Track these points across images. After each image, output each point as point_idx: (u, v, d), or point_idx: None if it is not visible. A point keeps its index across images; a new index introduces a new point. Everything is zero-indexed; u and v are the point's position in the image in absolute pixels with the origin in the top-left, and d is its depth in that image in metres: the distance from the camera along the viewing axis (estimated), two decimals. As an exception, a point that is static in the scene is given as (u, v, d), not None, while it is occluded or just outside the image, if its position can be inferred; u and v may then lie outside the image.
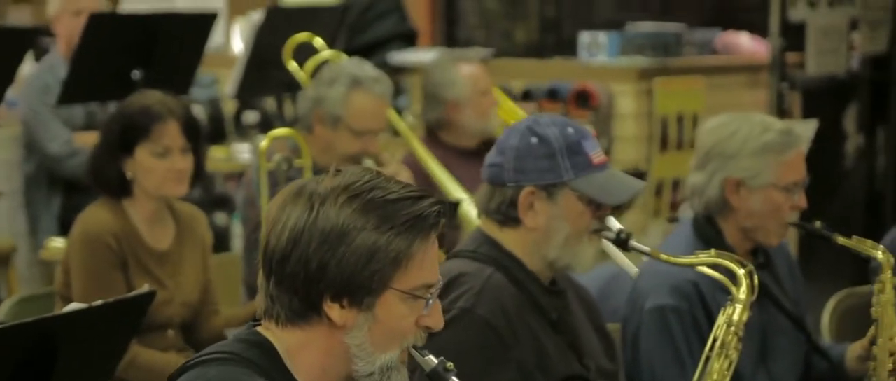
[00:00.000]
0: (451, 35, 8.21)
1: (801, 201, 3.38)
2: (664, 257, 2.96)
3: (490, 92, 4.93)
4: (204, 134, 3.93)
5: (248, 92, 6.09)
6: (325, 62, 4.65)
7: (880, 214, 6.82)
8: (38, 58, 5.97)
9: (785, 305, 3.45)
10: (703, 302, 3.26)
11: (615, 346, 3.16)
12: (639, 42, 6.60)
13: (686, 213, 3.91)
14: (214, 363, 2.09)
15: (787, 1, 6.27)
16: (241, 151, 6.31)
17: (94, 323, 2.91)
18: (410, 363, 2.14)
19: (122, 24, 5.40)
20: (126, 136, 3.70)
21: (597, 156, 2.93)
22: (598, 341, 3.07)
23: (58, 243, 4.81)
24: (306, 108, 4.44)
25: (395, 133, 4.95)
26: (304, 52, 4.81)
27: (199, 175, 3.83)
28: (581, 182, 2.89)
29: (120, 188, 3.73)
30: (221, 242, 5.76)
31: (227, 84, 6.07)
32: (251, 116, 6.60)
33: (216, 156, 6.11)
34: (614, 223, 2.98)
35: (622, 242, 2.91)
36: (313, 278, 2.05)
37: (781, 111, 6.22)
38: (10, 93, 5.17)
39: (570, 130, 2.93)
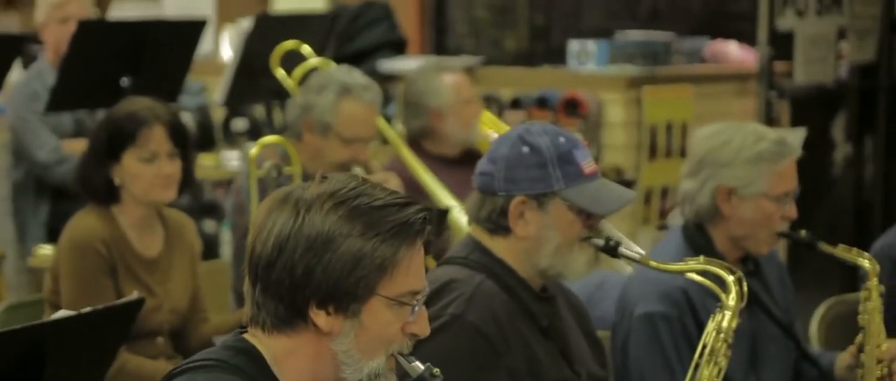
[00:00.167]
0: (440, 43, 8.21)
1: (792, 211, 3.39)
2: (654, 263, 2.96)
3: (473, 101, 4.93)
4: (192, 140, 3.93)
5: (237, 99, 6.09)
6: (313, 70, 4.65)
7: (869, 222, 6.84)
8: (26, 65, 5.96)
9: (774, 312, 3.45)
10: (692, 309, 3.26)
11: (606, 352, 3.17)
12: (628, 51, 6.61)
13: (675, 220, 3.91)
14: (201, 370, 2.09)
15: (776, 10, 6.29)
16: (230, 159, 6.30)
17: (83, 330, 2.90)
18: (399, 370, 2.14)
19: (110, 31, 5.40)
20: (113, 142, 3.70)
21: (588, 165, 2.93)
22: (589, 347, 3.07)
23: (46, 250, 4.80)
24: (295, 115, 4.44)
25: (385, 141, 4.95)
26: (292, 60, 4.81)
27: (189, 182, 3.82)
28: (572, 192, 2.89)
29: (108, 195, 3.73)
30: (210, 249, 5.75)
31: (216, 91, 6.07)
32: (240, 124, 6.59)
33: (205, 163, 6.10)
34: (607, 227, 2.98)
35: (612, 249, 2.91)
36: (299, 285, 2.06)
37: (770, 120, 6.23)
38: (-1, 100, 5.17)
39: (562, 139, 2.93)
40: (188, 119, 6.23)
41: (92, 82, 5.08)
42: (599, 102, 6.36)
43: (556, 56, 7.08)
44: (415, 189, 4.50)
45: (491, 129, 4.88)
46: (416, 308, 2.11)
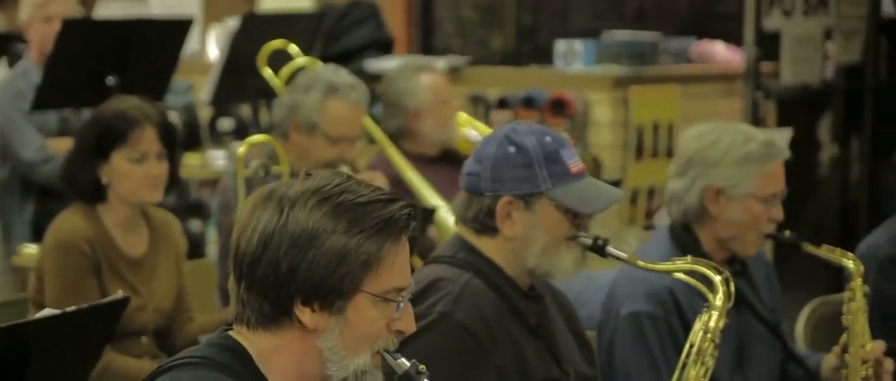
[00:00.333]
0: (427, 43, 8.21)
1: (779, 213, 3.39)
2: (641, 263, 2.96)
3: (451, 101, 4.97)
4: (179, 140, 3.92)
5: (224, 99, 6.08)
6: (300, 69, 4.65)
7: (854, 223, 6.85)
8: (11, 63, 5.94)
9: (761, 312, 3.46)
10: (678, 309, 3.26)
11: (593, 351, 3.17)
12: (615, 51, 6.61)
13: (661, 221, 3.91)
14: (187, 368, 2.08)
15: (762, 10, 6.30)
16: (216, 158, 6.29)
17: (68, 329, 2.89)
18: (385, 367, 2.13)
19: (96, 29, 5.38)
20: (102, 141, 3.69)
21: (575, 165, 2.93)
22: (577, 346, 3.06)
23: (31, 249, 4.78)
24: (282, 115, 4.44)
25: (371, 140, 4.95)
26: (279, 60, 4.81)
27: (174, 182, 3.81)
28: (558, 192, 2.89)
29: (94, 194, 3.71)
30: (196, 248, 5.74)
31: (203, 91, 6.05)
32: (226, 123, 6.58)
33: (191, 163, 6.09)
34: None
35: (599, 248, 2.91)
36: (283, 282, 2.05)
37: (756, 120, 6.24)
38: (-16, 99, 5.14)
39: (548, 138, 2.93)
40: (174, 118, 6.21)
41: (77, 81, 5.06)
42: (586, 102, 6.36)
43: (543, 56, 7.08)
44: (401, 188, 4.50)
45: (468, 127, 4.91)
46: (402, 305, 2.11)
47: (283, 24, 5.84)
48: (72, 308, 2.92)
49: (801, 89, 6.67)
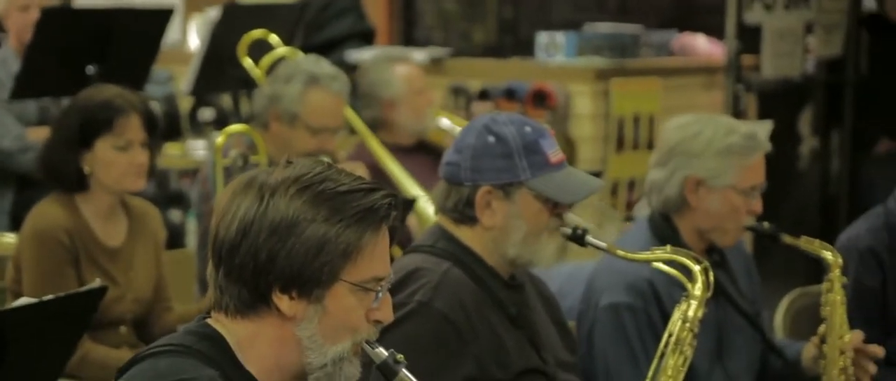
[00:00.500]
0: (408, 35, 8.20)
1: (758, 205, 3.40)
2: (620, 252, 2.96)
3: (425, 92, 5.00)
4: (159, 130, 3.90)
5: (204, 89, 6.06)
6: (280, 59, 4.64)
7: (834, 216, 6.87)
8: (-10, 52, 5.90)
9: (740, 304, 3.46)
10: (658, 300, 3.27)
11: (575, 340, 3.17)
12: (596, 43, 6.62)
13: (642, 212, 3.92)
14: (164, 355, 2.07)
15: (744, 4, 6.30)
16: (197, 148, 6.27)
17: (45, 318, 2.88)
18: (364, 357, 2.12)
19: (76, 18, 5.36)
20: (86, 129, 3.66)
21: (554, 154, 2.93)
22: (558, 335, 3.06)
23: (9, 238, 4.75)
24: (262, 105, 4.42)
25: (352, 131, 4.95)
26: (260, 50, 4.79)
27: (152, 171, 3.80)
28: (538, 182, 2.89)
29: (76, 183, 3.69)
30: (176, 238, 5.73)
31: (183, 81, 6.03)
32: (207, 113, 6.56)
33: (171, 152, 6.07)
34: (572, 219, 2.98)
35: (578, 237, 2.91)
36: (262, 270, 2.04)
37: (737, 113, 6.24)
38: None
39: (528, 128, 2.92)
40: (156, 108, 6.19)
41: (57, 70, 5.04)
42: (567, 94, 6.36)
43: (525, 48, 7.08)
44: (381, 179, 4.49)
45: (441, 117, 4.95)
46: (380, 295, 2.10)
47: (264, 14, 5.82)
48: (49, 297, 2.91)
49: (782, 83, 6.68)
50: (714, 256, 3.43)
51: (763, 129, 5.51)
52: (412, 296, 2.84)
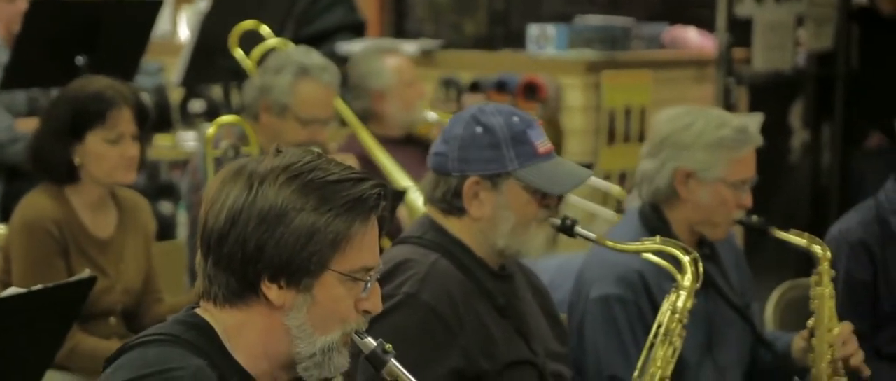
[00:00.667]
0: (399, 27, 8.19)
1: (748, 199, 3.40)
2: (610, 243, 2.96)
3: (415, 83, 5.00)
4: (150, 121, 3.89)
5: (195, 80, 6.04)
6: (271, 50, 4.63)
7: (825, 209, 6.89)
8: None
9: (730, 296, 3.46)
10: (647, 292, 3.27)
11: (566, 330, 3.17)
12: (587, 35, 6.61)
13: (632, 204, 3.92)
14: (153, 345, 2.07)
15: (735, -3, 6.31)
16: (187, 140, 6.26)
17: (34, 308, 2.87)
18: (353, 347, 2.12)
19: (65, 9, 5.33)
20: (77, 121, 3.65)
21: (542, 145, 2.93)
22: (549, 326, 3.06)
23: (-1, 229, 4.75)
24: (253, 96, 4.42)
25: (343, 123, 4.95)
26: (251, 41, 4.78)
27: (142, 163, 3.79)
28: (526, 172, 2.89)
29: (66, 174, 3.68)
30: (166, 230, 5.71)
31: (174, 72, 6.02)
32: (197, 105, 6.54)
33: (162, 144, 6.06)
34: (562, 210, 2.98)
35: (568, 228, 2.91)
36: (251, 259, 2.04)
37: (728, 106, 6.26)
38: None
39: (516, 118, 2.92)
40: (146, 99, 6.17)
41: (46, 61, 5.02)
42: (558, 86, 6.36)
43: (516, 40, 7.07)
44: (371, 170, 4.49)
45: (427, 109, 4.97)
46: (369, 285, 2.10)
47: (255, 5, 5.80)
48: (38, 287, 2.90)
49: (773, 76, 6.69)
50: (704, 249, 3.43)
51: (754, 122, 5.53)
52: (400, 288, 2.84)
